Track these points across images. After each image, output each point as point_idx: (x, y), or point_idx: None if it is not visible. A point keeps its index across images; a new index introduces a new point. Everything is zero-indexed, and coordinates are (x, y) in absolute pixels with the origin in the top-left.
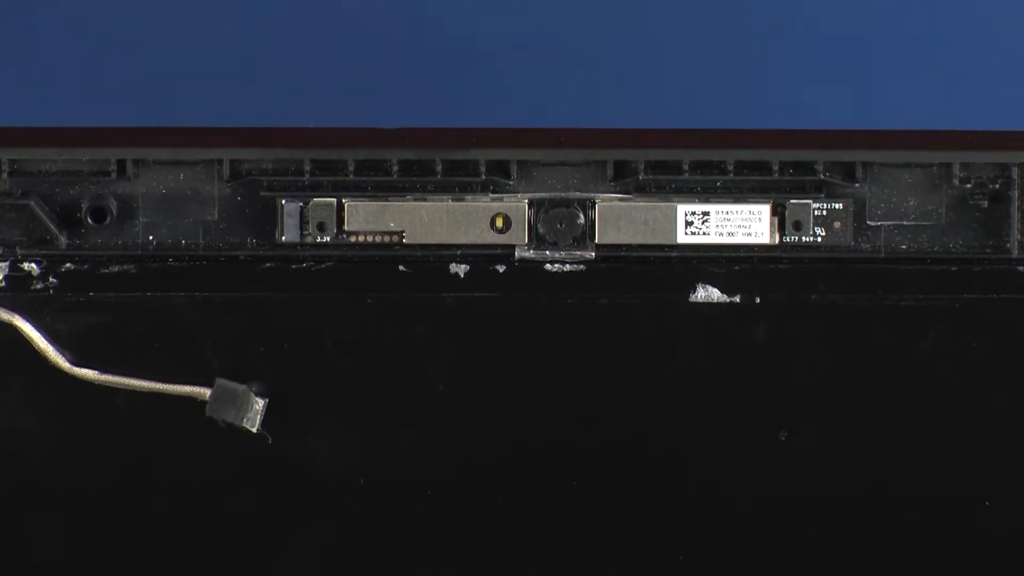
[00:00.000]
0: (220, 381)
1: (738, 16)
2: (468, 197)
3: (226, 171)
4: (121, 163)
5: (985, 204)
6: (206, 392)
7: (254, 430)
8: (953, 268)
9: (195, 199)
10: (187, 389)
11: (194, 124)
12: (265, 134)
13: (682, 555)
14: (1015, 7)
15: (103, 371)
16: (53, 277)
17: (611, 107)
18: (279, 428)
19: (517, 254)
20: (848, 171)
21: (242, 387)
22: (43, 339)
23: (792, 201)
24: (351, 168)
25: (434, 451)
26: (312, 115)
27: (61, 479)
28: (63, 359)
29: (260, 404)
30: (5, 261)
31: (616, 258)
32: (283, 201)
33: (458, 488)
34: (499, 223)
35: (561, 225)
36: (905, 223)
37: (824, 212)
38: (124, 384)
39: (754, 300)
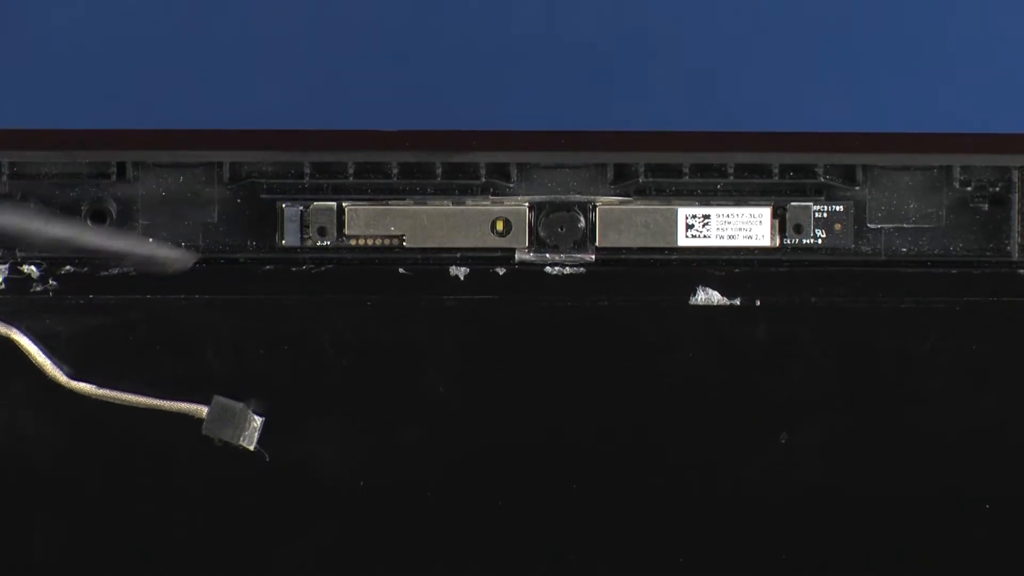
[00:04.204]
0: (217, 399)
1: (738, 18)
2: (468, 200)
3: (226, 173)
4: (121, 165)
5: (985, 207)
6: (203, 410)
7: (251, 448)
8: (953, 271)
9: (195, 201)
10: (184, 406)
11: (194, 126)
12: (265, 137)
13: (682, 556)
14: (1015, 9)
15: (100, 385)
16: (53, 279)
17: (611, 110)
18: (279, 431)
19: (517, 257)
20: (848, 174)
21: (240, 405)
22: (40, 353)
23: (792, 204)
24: (351, 171)
25: (434, 453)
26: (312, 118)
27: (61, 479)
28: (60, 373)
29: (258, 422)
30: (5, 263)
31: (616, 261)
32: (284, 205)
33: (458, 490)
34: (499, 226)
35: (562, 228)
36: (905, 226)
37: (824, 215)
38: (121, 399)
39: (755, 303)
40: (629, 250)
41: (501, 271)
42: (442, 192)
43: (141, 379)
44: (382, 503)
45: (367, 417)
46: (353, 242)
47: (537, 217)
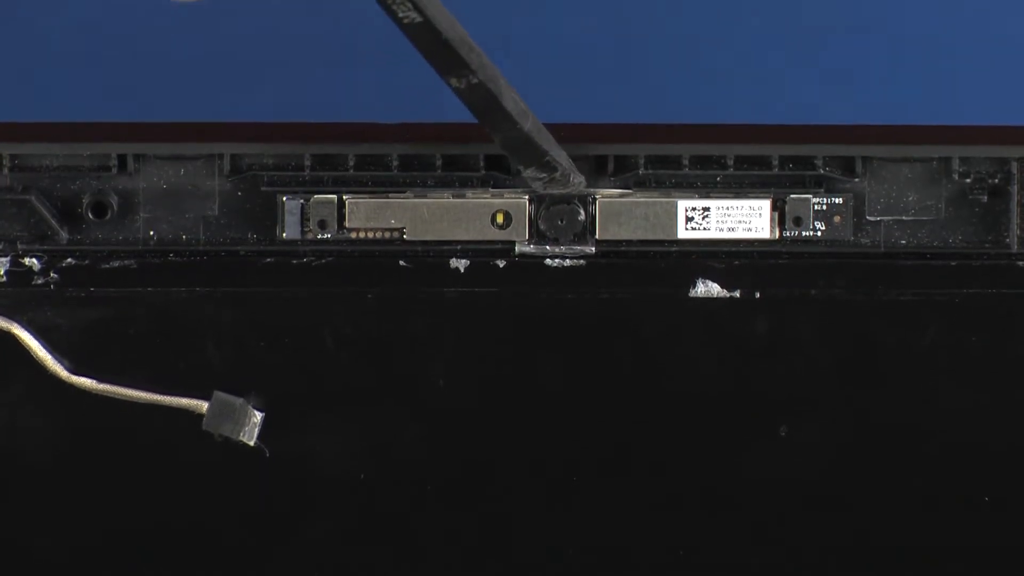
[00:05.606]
0: (218, 395)
1: (738, 11)
2: (469, 193)
3: (226, 166)
4: (122, 158)
5: (984, 199)
6: (203, 405)
7: (251, 443)
8: (952, 263)
9: (196, 194)
10: (184, 402)
11: (194, 119)
12: (265, 129)
13: (682, 550)
14: (1014, 2)
15: (101, 380)
16: (54, 272)
17: (611, 102)
18: (279, 424)
19: (518, 249)
20: (848, 166)
21: (239, 400)
22: (41, 348)
23: (792, 196)
24: (351, 163)
25: (434, 446)
26: (312, 110)
27: (61, 474)
28: (61, 367)
29: (257, 417)
30: (6, 256)
31: (616, 253)
32: (284, 199)
33: (458, 483)
34: (499, 219)
35: (562, 221)
36: (905, 218)
37: (824, 207)
38: (121, 394)
39: (754, 295)
40: (629, 242)
41: (501, 263)
42: (442, 185)
43: (141, 372)
44: (382, 496)
45: (367, 410)
46: (353, 235)
47: (537, 209)
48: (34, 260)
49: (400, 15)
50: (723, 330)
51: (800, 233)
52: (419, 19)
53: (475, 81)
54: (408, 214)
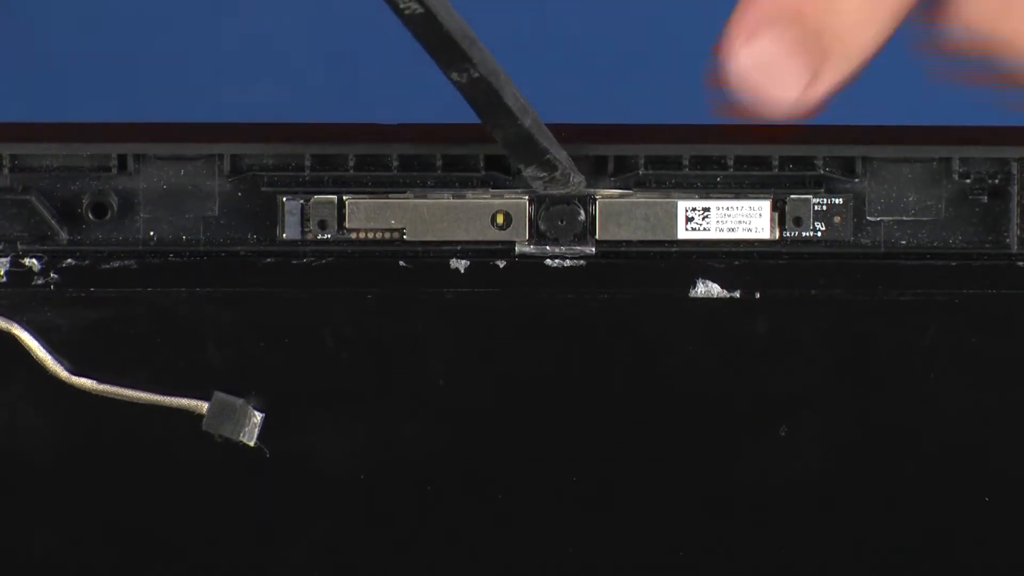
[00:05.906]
0: (218, 395)
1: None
2: (469, 194)
3: (227, 166)
4: (122, 158)
5: (985, 199)
6: (203, 406)
7: (252, 444)
8: (953, 263)
9: (196, 194)
10: (184, 402)
11: (195, 119)
12: (266, 129)
13: (682, 551)
14: None
15: (101, 380)
16: (54, 272)
17: (611, 102)
18: (279, 424)
19: (518, 250)
20: (848, 166)
21: (240, 401)
22: (41, 348)
23: (792, 196)
24: (351, 163)
25: (434, 446)
26: (312, 110)
27: (61, 475)
28: (61, 368)
29: (258, 417)
30: (6, 256)
31: (616, 253)
32: (284, 199)
33: (457, 483)
34: (500, 220)
35: (562, 221)
36: (905, 218)
37: (824, 207)
38: (121, 395)
39: (754, 295)
40: (629, 243)
41: (501, 264)
42: (442, 185)
43: (142, 373)
44: (382, 496)
45: (367, 410)
46: (353, 235)
47: (537, 210)
48: (34, 260)
49: (401, 6)
50: (723, 330)
51: (800, 233)
52: (420, 10)
53: (476, 75)
54: (408, 214)
